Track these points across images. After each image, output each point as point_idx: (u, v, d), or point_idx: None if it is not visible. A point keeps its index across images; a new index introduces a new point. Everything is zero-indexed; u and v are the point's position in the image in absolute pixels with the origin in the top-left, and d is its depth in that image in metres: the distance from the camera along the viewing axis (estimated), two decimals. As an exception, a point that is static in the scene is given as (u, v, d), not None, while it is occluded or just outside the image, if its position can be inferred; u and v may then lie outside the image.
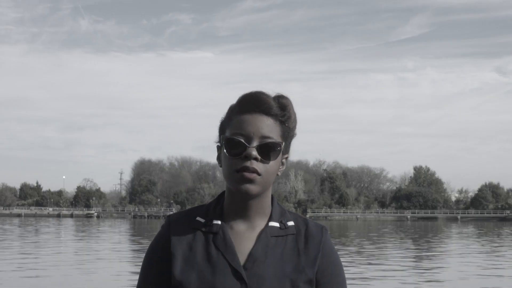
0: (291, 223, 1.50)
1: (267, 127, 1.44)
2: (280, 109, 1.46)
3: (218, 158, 1.50)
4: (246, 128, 1.43)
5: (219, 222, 1.47)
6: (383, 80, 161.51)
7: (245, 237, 1.47)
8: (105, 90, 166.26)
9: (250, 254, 1.43)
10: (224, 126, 1.50)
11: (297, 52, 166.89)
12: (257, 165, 1.41)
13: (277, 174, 1.49)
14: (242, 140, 1.42)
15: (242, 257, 1.43)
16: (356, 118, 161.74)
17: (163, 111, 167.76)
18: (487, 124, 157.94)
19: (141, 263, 1.49)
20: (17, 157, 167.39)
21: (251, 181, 1.41)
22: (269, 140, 1.43)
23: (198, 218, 1.49)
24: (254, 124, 1.43)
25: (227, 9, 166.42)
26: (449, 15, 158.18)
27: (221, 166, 1.48)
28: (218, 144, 1.52)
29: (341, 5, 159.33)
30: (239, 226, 1.48)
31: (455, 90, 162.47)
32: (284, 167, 1.52)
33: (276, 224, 1.49)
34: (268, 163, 1.43)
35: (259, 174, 1.41)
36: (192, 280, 1.40)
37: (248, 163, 1.40)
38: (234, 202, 1.47)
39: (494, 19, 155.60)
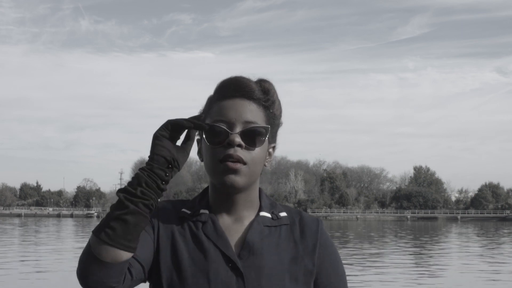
0: (283, 213, 1.41)
1: (250, 112, 1.33)
2: (263, 93, 1.36)
3: (199, 152, 1.40)
4: (227, 114, 1.32)
5: (207, 212, 1.37)
6: (384, 80, 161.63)
7: (233, 229, 1.36)
8: (106, 90, 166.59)
9: (245, 242, 1.33)
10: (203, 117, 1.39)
11: (298, 52, 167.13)
12: (241, 153, 1.30)
13: (264, 165, 1.38)
14: (224, 127, 1.31)
15: (235, 247, 1.34)
16: (357, 118, 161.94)
17: (164, 111, 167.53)
18: (487, 124, 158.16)
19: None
20: (17, 157, 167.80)
21: (235, 171, 1.30)
22: (253, 125, 1.32)
23: (184, 209, 1.39)
24: (235, 109, 1.32)
25: (228, 9, 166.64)
26: (450, 15, 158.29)
27: (202, 161, 1.38)
28: (198, 137, 1.40)
29: (341, 5, 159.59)
30: (226, 219, 1.37)
31: (456, 90, 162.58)
32: (272, 159, 1.42)
33: (267, 215, 1.39)
34: (253, 150, 1.32)
35: (244, 163, 1.30)
36: (183, 267, 1.30)
37: (231, 151, 1.29)
38: (219, 196, 1.37)
39: (495, 19, 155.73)
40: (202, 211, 1.37)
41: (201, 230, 1.34)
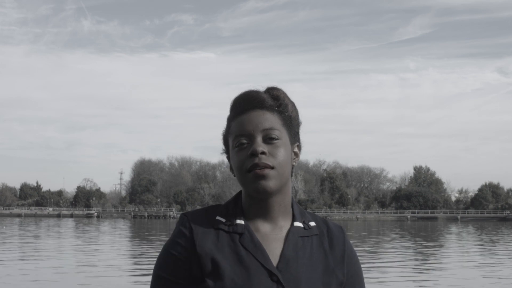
0: (312, 223, 1.46)
1: (266, 120, 1.40)
2: (273, 100, 1.43)
3: (231, 168, 1.45)
4: (245, 127, 1.40)
5: (243, 222, 1.40)
6: (385, 80, 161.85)
7: (272, 238, 1.40)
8: (107, 90, 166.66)
9: (282, 255, 1.37)
10: (226, 137, 1.47)
11: (299, 53, 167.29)
12: (267, 159, 1.36)
13: (293, 165, 1.45)
14: (245, 141, 1.39)
15: (272, 259, 1.36)
16: (358, 118, 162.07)
17: (164, 112, 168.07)
18: (487, 124, 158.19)
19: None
20: (17, 157, 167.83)
21: (264, 177, 1.36)
22: (272, 131, 1.39)
23: (218, 218, 1.41)
24: (251, 121, 1.40)
25: (230, 9, 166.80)
26: (451, 15, 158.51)
27: (235, 176, 1.43)
28: (227, 155, 1.49)
29: (343, 6, 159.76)
30: (264, 227, 1.41)
31: (457, 91, 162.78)
32: (298, 158, 1.48)
33: (300, 225, 1.44)
34: (277, 154, 1.38)
35: (271, 168, 1.37)
36: (226, 282, 1.31)
37: (256, 160, 1.36)
38: (255, 203, 1.41)
39: (496, 19, 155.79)
40: (238, 221, 1.40)
41: (239, 243, 1.36)
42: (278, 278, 1.33)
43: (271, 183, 1.36)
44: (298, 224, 1.43)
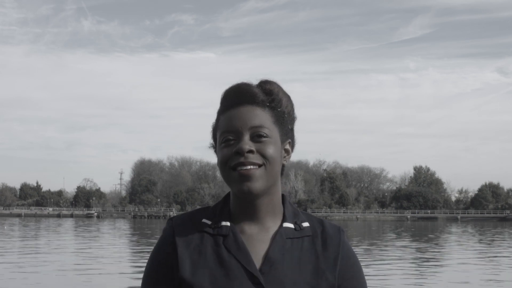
0: (306, 224, 1.38)
1: (255, 116, 1.32)
2: (265, 95, 1.35)
3: (218, 164, 1.39)
4: (233, 123, 1.32)
5: (228, 224, 1.34)
6: (385, 80, 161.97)
7: (258, 239, 1.34)
8: (107, 90, 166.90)
9: (266, 257, 1.31)
10: (215, 130, 1.40)
11: (299, 53, 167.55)
12: (253, 158, 1.30)
13: (283, 164, 1.38)
14: (231, 137, 1.32)
15: (256, 261, 1.31)
16: (358, 118, 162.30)
17: (164, 112, 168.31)
18: (488, 124, 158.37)
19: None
20: (17, 157, 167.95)
21: (249, 177, 1.29)
22: (260, 129, 1.32)
23: (204, 220, 1.37)
24: (240, 117, 1.32)
25: (230, 10, 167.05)
26: (451, 15, 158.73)
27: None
28: (214, 149, 1.42)
29: (343, 6, 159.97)
30: (251, 228, 1.35)
31: (457, 91, 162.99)
32: (290, 156, 1.41)
33: (291, 225, 1.37)
34: (266, 152, 1.31)
35: (258, 166, 1.30)
36: (204, 285, 1.28)
37: (242, 159, 1.29)
38: (242, 204, 1.35)
39: (496, 19, 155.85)
40: (223, 223, 1.35)
41: (222, 245, 1.32)
42: (259, 281, 1.27)
43: (257, 184, 1.29)
44: (287, 225, 1.36)
